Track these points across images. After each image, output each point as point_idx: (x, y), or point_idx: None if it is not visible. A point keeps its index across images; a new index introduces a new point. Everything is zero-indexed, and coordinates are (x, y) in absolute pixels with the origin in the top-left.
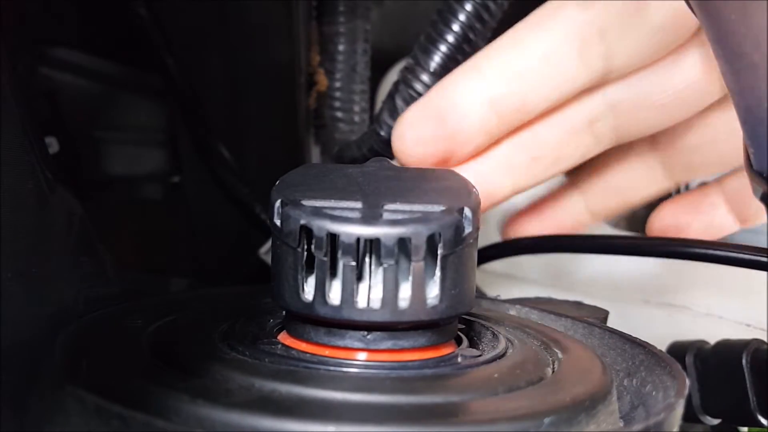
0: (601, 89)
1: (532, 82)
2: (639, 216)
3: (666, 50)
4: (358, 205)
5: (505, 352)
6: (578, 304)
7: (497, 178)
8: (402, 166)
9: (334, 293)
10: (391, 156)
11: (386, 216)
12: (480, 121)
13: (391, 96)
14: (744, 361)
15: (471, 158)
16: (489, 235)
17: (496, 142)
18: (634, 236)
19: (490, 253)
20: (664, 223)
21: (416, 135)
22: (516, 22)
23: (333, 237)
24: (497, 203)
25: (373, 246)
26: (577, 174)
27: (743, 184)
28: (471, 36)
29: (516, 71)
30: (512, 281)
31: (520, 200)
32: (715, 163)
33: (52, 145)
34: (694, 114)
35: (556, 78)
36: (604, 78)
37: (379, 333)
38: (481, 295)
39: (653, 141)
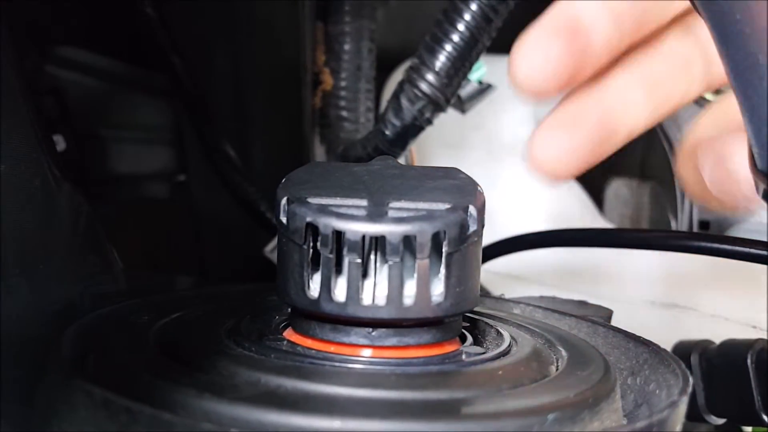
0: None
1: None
2: (643, 216)
3: None
4: (364, 202)
5: (509, 350)
6: (582, 304)
7: (617, 116)
8: (523, 93)
9: (340, 290)
10: (396, 155)
11: (391, 214)
12: (606, 34)
13: (396, 95)
14: (749, 361)
15: (591, 82)
16: (494, 234)
17: (613, 73)
18: (638, 230)
19: (495, 251)
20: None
21: (544, 54)
22: (521, 22)
23: (339, 234)
24: (616, 147)
25: (378, 243)
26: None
27: None
28: (476, 36)
29: None
30: (517, 281)
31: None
32: None
33: (59, 143)
34: None
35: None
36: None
37: (383, 330)
38: (485, 294)
39: (689, 30)
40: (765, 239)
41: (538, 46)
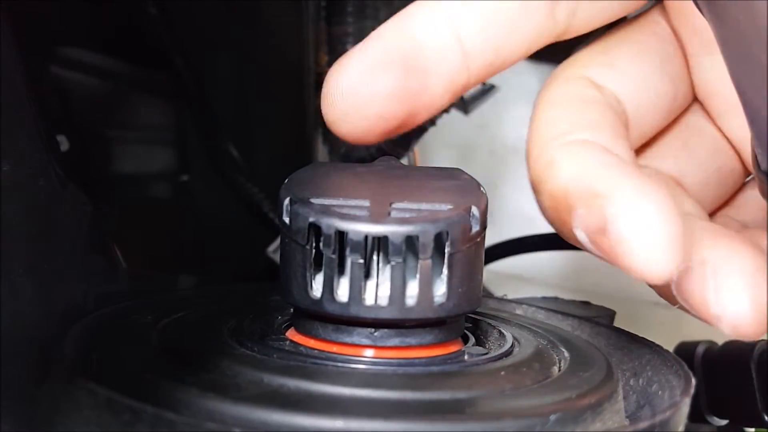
0: None
1: (505, 33)
2: None
3: (633, 7)
4: (366, 203)
5: (512, 351)
6: (585, 304)
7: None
8: (340, 137)
9: (342, 290)
10: (399, 155)
11: (394, 214)
12: (450, 73)
13: None
14: (751, 362)
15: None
16: (497, 235)
17: None
18: None
19: (499, 252)
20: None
21: (372, 89)
22: None
23: (341, 234)
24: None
25: (381, 243)
26: None
27: None
28: None
29: (489, 18)
30: (519, 281)
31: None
32: None
33: (63, 143)
34: None
35: (525, 31)
36: (560, 35)
37: (386, 330)
38: (488, 295)
39: None
40: None
41: (362, 79)
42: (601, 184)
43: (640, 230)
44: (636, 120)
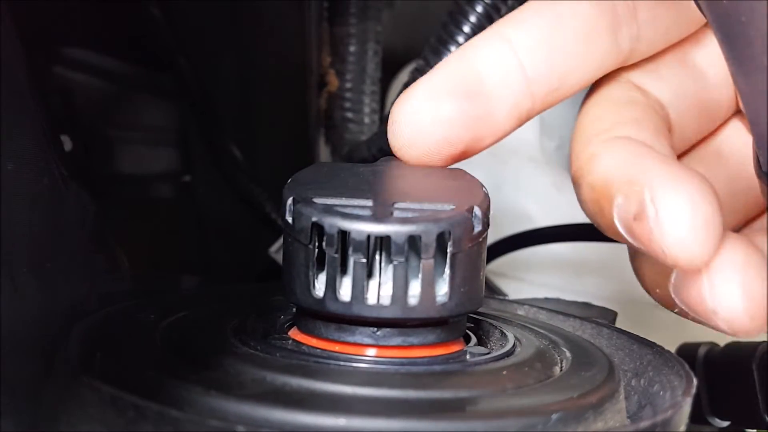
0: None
1: (568, 60)
2: None
3: (694, 28)
4: (369, 203)
5: (513, 351)
6: (586, 305)
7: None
8: (407, 163)
9: (345, 290)
10: None
11: (397, 214)
12: (513, 99)
13: None
14: (753, 364)
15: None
16: (498, 235)
17: None
18: None
19: (502, 248)
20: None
21: (435, 115)
22: None
23: (344, 234)
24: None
25: (383, 243)
26: None
27: None
28: None
29: (552, 45)
30: (521, 282)
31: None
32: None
33: (66, 142)
34: None
35: (589, 58)
36: (625, 61)
37: (388, 329)
38: (495, 290)
39: None
40: None
41: (426, 106)
42: (639, 172)
43: (676, 213)
44: (678, 126)
